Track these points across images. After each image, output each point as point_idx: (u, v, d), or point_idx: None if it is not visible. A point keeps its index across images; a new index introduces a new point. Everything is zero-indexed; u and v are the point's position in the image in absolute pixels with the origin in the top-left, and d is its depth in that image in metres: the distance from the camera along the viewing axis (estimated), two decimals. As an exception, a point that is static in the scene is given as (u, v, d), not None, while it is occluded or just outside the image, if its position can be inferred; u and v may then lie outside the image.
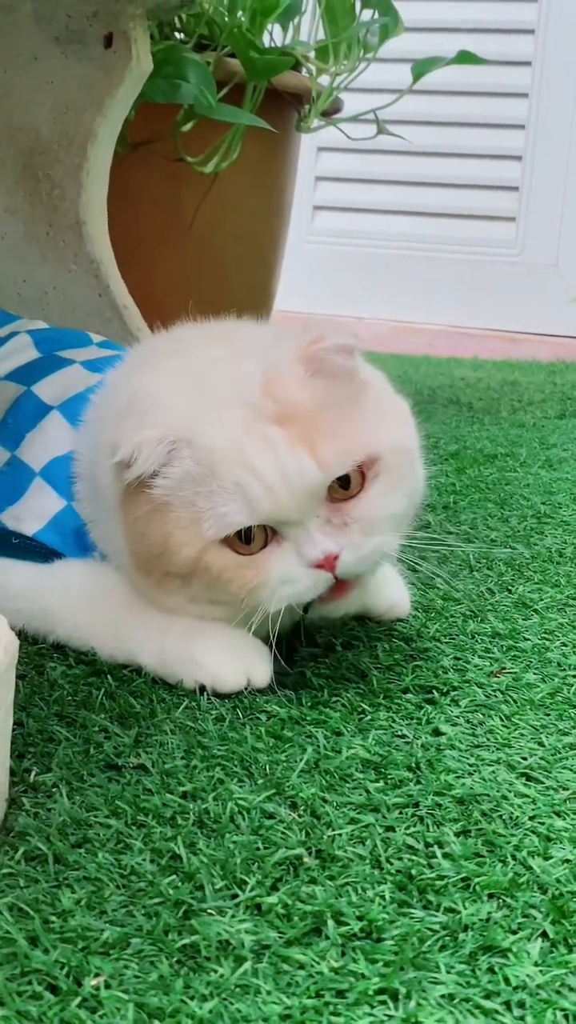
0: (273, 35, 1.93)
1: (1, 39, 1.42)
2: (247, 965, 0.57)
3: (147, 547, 0.86)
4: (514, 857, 0.67)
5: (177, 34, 1.80)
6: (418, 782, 0.75)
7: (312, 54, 1.91)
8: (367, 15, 1.92)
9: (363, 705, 0.86)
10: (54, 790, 0.72)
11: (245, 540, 0.83)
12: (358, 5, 1.87)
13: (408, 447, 0.90)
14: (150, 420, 0.84)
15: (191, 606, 0.88)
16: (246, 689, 0.87)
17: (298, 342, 0.87)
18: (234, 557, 0.84)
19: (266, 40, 1.88)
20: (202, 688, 0.87)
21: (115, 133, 1.43)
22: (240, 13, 1.78)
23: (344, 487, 0.85)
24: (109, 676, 0.88)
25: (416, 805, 0.72)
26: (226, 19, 1.78)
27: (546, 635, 1.01)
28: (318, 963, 0.57)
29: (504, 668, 0.94)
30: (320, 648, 0.96)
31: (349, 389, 0.87)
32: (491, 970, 0.57)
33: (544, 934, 0.60)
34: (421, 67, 1.96)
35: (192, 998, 0.54)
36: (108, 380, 0.99)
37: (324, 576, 0.84)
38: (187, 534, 0.83)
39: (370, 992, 0.55)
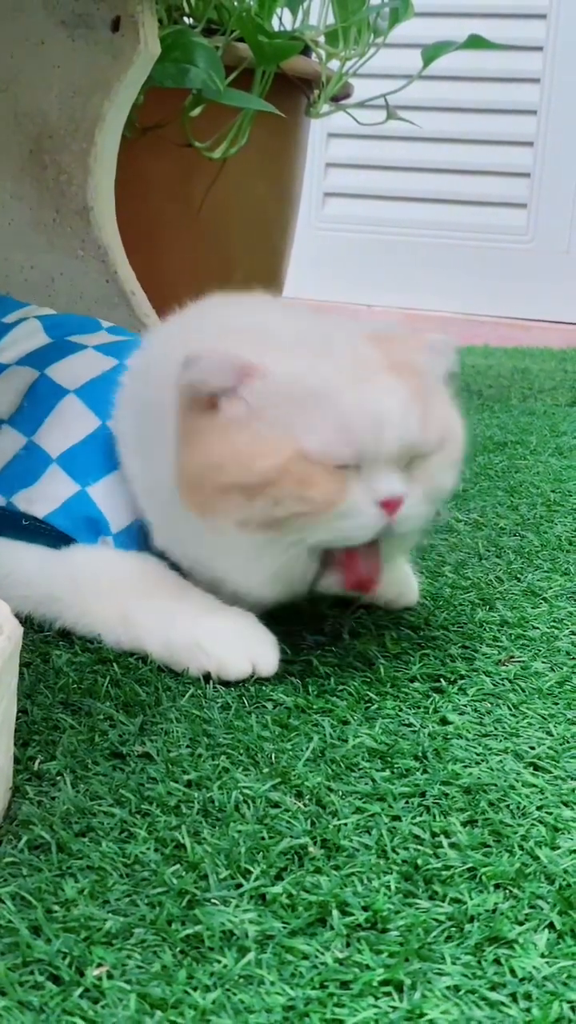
0: (282, 19, 1.91)
1: (7, 23, 1.41)
2: (251, 956, 0.56)
3: (202, 460, 0.85)
4: (521, 847, 0.66)
5: (185, 18, 1.79)
6: (425, 771, 0.74)
7: (322, 38, 1.89)
8: (377, -1, 1.91)
9: (370, 694, 0.85)
10: (58, 778, 0.71)
11: None
12: (368, -11, 1.86)
13: (462, 444, 0.93)
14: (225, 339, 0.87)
15: (227, 537, 0.86)
16: (252, 677, 0.87)
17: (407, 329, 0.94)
18: (322, 468, 0.83)
19: (275, 24, 1.86)
20: (208, 676, 0.86)
21: (123, 118, 1.41)
22: (249, -3, 1.77)
23: None
24: (115, 664, 0.88)
25: (422, 795, 0.71)
26: (235, 3, 1.77)
27: (555, 624, 1.00)
28: (322, 954, 0.57)
29: (512, 657, 0.93)
30: (327, 636, 0.96)
31: (444, 382, 0.93)
32: (497, 961, 0.57)
33: (551, 925, 0.60)
34: (431, 52, 1.95)
35: (195, 989, 0.54)
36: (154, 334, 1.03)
37: (383, 518, 0.84)
38: (271, 446, 0.83)
39: (374, 983, 0.55)
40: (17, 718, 0.71)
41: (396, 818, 0.69)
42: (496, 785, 0.73)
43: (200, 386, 0.85)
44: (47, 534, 0.95)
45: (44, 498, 0.95)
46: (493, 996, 0.54)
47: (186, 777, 0.72)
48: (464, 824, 0.68)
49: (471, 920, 0.60)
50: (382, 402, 0.84)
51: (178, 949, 0.57)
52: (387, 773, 0.74)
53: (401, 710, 0.83)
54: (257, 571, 0.88)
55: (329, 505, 0.83)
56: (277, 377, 0.84)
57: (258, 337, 0.88)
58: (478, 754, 0.77)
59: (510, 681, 0.88)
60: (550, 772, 0.75)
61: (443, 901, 0.61)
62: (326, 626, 0.97)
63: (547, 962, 0.57)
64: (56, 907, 0.59)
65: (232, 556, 0.88)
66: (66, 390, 1.00)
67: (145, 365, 0.98)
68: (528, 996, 0.55)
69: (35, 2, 1.39)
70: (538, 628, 0.99)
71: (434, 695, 0.86)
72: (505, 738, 0.80)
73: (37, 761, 0.73)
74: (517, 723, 0.82)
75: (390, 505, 0.84)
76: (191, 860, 0.63)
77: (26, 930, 0.57)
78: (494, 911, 0.60)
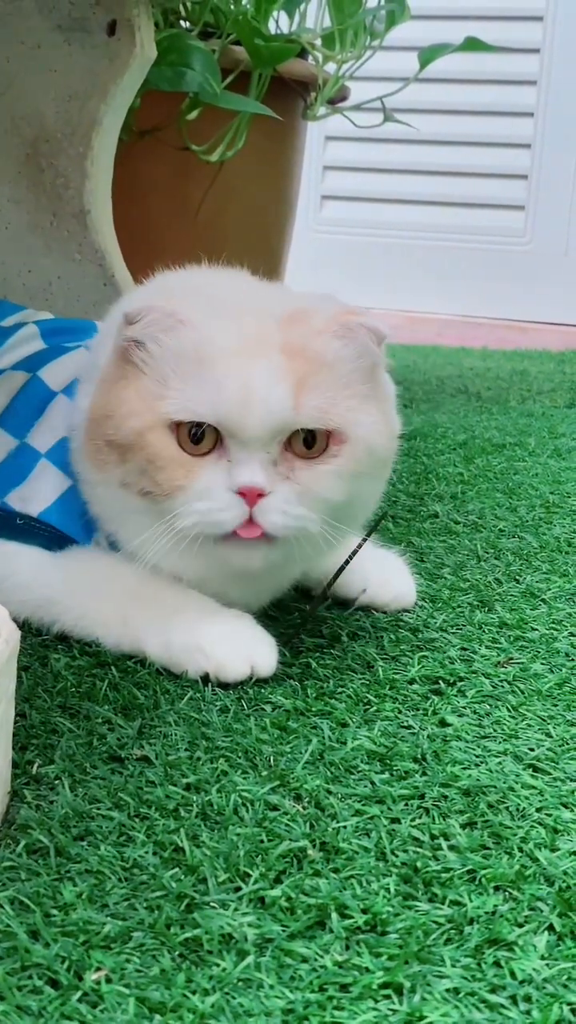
0: (279, 22, 1.91)
1: (4, 28, 1.41)
2: (250, 959, 0.56)
3: (102, 407, 0.87)
4: (521, 849, 0.66)
5: (182, 22, 1.79)
6: (424, 773, 0.74)
7: (318, 41, 1.89)
8: (373, 2, 1.90)
9: (369, 696, 0.85)
10: (56, 782, 0.71)
11: (194, 440, 0.84)
12: (364, -9, 1.86)
13: (381, 455, 0.90)
14: (167, 297, 0.88)
15: (117, 498, 0.88)
16: (250, 679, 0.86)
17: (335, 306, 0.89)
18: (175, 450, 0.84)
19: (272, 27, 1.86)
20: (206, 678, 0.86)
21: (119, 121, 1.41)
22: (245, 0, 1.76)
23: (308, 447, 0.86)
24: (113, 667, 0.87)
25: (422, 797, 0.71)
26: (231, 6, 1.77)
27: (554, 625, 1.00)
28: (321, 957, 0.56)
29: (511, 658, 0.93)
30: (326, 639, 0.96)
31: (360, 373, 0.88)
32: (497, 964, 0.57)
33: (551, 927, 0.60)
34: (428, 54, 1.95)
35: (194, 992, 0.54)
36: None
37: (240, 507, 0.83)
38: (143, 406, 0.85)
39: (374, 986, 0.54)
40: (15, 722, 0.71)
41: (395, 820, 0.69)
42: (495, 787, 0.73)
43: (127, 332, 0.85)
44: (43, 533, 0.95)
45: (37, 495, 0.95)
46: (493, 998, 0.54)
47: (185, 780, 0.72)
48: (463, 826, 0.68)
49: (471, 922, 0.60)
50: (249, 372, 0.83)
51: (177, 953, 0.57)
52: (386, 775, 0.74)
53: (400, 712, 0.83)
54: (164, 551, 0.86)
55: (172, 490, 0.84)
56: (181, 337, 0.84)
57: (185, 299, 0.88)
58: (477, 756, 0.77)
59: (509, 683, 0.88)
60: (549, 774, 0.75)
61: (443, 903, 0.61)
62: (325, 628, 0.97)
63: (547, 964, 0.56)
64: (54, 911, 0.59)
65: (130, 525, 0.89)
66: (55, 392, 1.00)
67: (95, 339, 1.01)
68: (528, 998, 0.54)
69: (31, 6, 1.39)
70: (537, 630, 0.99)
71: (433, 697, 0.86)
72: (504, 740, 0.79)
73: (35, 765, 0.73)
74: (516, 725, 0.82)
75: (249, 495, 0.83)
76: (190, 863, 0.63)
77: (24, 934, 0.57)
78: (494, 913, 0.60)
